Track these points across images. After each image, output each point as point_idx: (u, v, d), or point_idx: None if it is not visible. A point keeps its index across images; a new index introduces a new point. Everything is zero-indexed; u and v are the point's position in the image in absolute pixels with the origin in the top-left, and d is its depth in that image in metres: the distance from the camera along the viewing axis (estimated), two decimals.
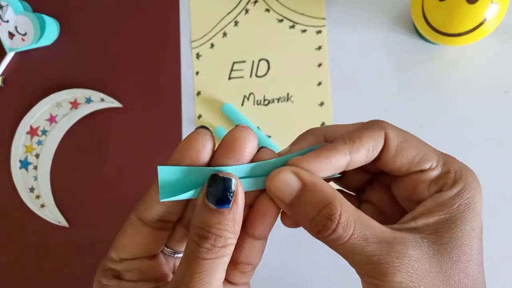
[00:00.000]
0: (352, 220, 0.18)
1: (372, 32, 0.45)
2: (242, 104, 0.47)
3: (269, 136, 0.46)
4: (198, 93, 0.47)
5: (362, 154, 0.19)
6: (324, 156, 0.19)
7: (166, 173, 0.19)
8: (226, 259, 0.19)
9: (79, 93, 0.48)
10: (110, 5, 0.50)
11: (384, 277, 0.17)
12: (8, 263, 0.49)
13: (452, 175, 0.20)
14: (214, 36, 0.48)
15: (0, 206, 0.50)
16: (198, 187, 0.19)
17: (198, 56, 0.48)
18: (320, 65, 0.46)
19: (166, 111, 0.48)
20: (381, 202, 0.22)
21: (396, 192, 0.21)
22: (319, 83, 0.46)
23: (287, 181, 0.19)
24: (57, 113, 0.49)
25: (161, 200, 0.19)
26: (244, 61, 0.47)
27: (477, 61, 0.44)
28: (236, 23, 0.47)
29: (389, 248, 0.17)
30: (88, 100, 0.48)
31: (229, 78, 0.47)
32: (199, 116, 0.47)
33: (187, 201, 0.21)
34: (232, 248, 0.19)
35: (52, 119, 0.49)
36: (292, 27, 0.47)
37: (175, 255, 0.23)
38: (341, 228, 0.18)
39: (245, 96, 0.47)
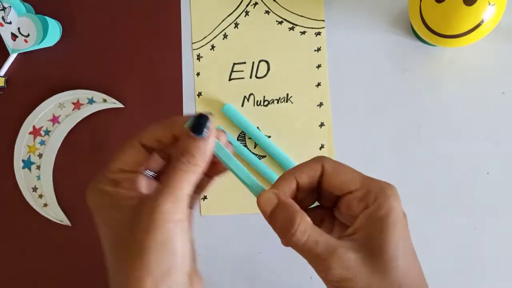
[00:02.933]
0: (307, 229, 0.25)
1: (371, 34, 0.46)
2: (242, 105, 0.47)
3: (269, 136, 0.47)
4: (199, 94, 0.48)
5: (305, 178, 0.27)
6: (279, 182, 0.28)
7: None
8: (194, 177, 0.26)
9: (82, 94, 0.49)
10: (112, 7, 0.50)
11: (328, 270, 0.24)
12: (11, 262, 0.50)
13: (373, 194, 0.26)
14: (214, 37, 0.48)
15: (4, 206, 0.50)
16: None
17: (199, 57, 0.48)
18: (319, 66, 0.46)
19: (168, 112, 0.48)
20: (343, 219, 0.29)
21: (340, 212, 0.28)
22: (318, 84, 0.46)
23: (268, 197, 0.27)
24: (60, 114, 0.49)
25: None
26: (244, 62, 0.47)
27: (475, 62, 0.44)
28: (236, 25, 0.48)
29: (333, 250, 0.24)
30: (91, 101, 0.49)
31: (230, 79, 0.48)
32: None
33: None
34: (199, 171, 0.26)
35: (55, 120, 0.49)
36: (292, 29, 0.47)
37: (151, 175, 0.29)
38: (299, 233, 0.25)
39: (245, 96, 0.47)
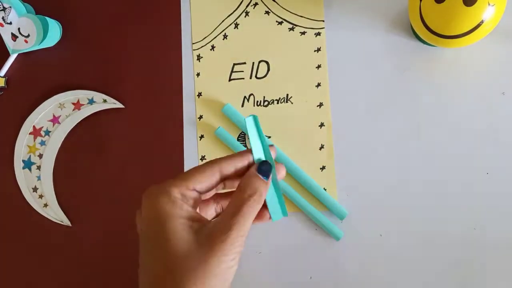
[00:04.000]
0: None
1: (371, 34, 0.46)
2: (242, 105, 0.47)
3: (269, 137, 0.47)
4: (199, 94, 0.48)
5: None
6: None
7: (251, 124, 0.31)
8: (255, 214, 0.28)
9: (82, 94, 0.49)
10: (112, 7, 0.50)
11: None
12: (11, 262, 0.50)
13: None
14: (214, 38, 0.48)
15: (4, 206, 0.50)
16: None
17: (199, 57, 0.48)
18: (319, 66, 0.46)
19: (168, 112, 0.48)
20: None
21: None
22: (318, 85, 0.46)
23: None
24: (60, 114, 0.49)
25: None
26: (244, 63, 0.48)
27: (475, 63, 0.44)
28: (236, 25, 0.48)
29: None
30: (91, 101, 0.49)
31: (230, 80, 0.48)
32: (200, 117, 0.48)
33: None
34: (259, 209, 0.29)
35: (55, 120, 0.50)
36: (292, 29, 0.47)
37: None
38: None
39: (245, 97, 0.47)
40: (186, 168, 0.48)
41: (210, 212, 0.33)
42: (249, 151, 0.30)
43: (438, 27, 0.39)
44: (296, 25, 0.47)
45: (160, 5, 0.49)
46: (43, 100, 0.49)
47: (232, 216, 0.27)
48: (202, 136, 0.48)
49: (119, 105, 0.49)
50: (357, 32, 0.46)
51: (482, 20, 0.37)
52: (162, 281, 0.26)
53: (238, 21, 0.48)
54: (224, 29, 0.48)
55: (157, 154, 0.48)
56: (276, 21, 0.47)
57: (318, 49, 0.46)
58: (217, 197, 0.33)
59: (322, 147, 0.46)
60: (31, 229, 0.49)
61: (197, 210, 0.31)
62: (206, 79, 0.48)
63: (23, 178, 0.50)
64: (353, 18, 0.46)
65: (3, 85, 0.51)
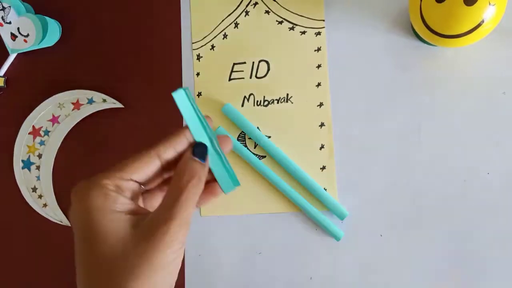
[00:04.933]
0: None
1: (371, 34, 0.46)
2: (242, 105, 0.47)
3: (269, 137, 0.46)
4: (199, 94, 0.48)
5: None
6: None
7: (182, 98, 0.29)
8: (197, 199, 0.27)
9: (81, 94, 0.49)
10: (112, 7, 0.50)
11: None
12: (10, 262, 0.50)
13: None
14: (214, 37, 0.48)
15: (3, 206, 0.50)
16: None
17: (198, 57, 0.48)
18: (319, 66, 0.46)
19: (167, 112, 0.48)
20: None
21: None
22: (318, 84, 0.46)
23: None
24: (60, 114, 0.49)
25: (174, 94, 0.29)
26: (244, 63, 0.47)
27: (475, 62, 0.44)
28: (236, 25, 0.48)
29: None
30: (90, 101, 0.49)
31: (230, 79, 0.48)
32: None
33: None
34: (200, 193, 0.27)
35: (54, 120, 0.49)
36: (292, 28, 0.47)
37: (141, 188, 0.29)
38: None
39: (245, 97, 0.47)
40: None
41: (156, 203, 0.30)
42: (186, 128, 0.29)
43: (438, 27, 0.39)
44: (296, 25, 0.47)
45: (160, 5, 0.49)
46: (42, 100, 0.49)
47: (171, 205, 0.25)
48: None
49: (118, 105, 0.48)
50: (357, 31, 0.46)
51: (483, 20, 0.37)
52: (101, 285, 0.24)
53: (238, 20, 0.48)
54: (224, 29, 0.48)
55: None
56: (276, 21, 0.47)
57: (318, 49, 0.46)
58: (164, 185, 0.31)
59: (322, 147, 0.46)
60: (30, 229, 0.49)
61: (140, 201, 0.29)
62: (206, 78, 0.48)
63: (23, 178, 0.49)
64: (353, 17, 0.46)
65: (2, 85, 0.51)
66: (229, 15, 0.48)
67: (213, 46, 0.48)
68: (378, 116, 0.45)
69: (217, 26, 0.48)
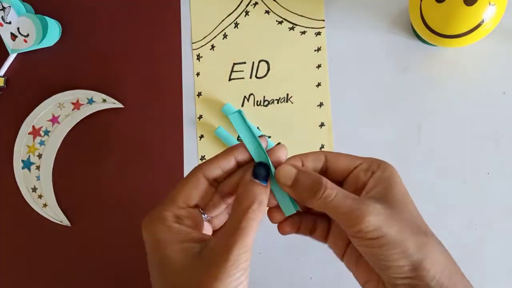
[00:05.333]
0: (334, 187, 0.27)
1: (371, 34, 0.46)
2: (242, 105, 0.47)
3: (269, 137, 0.46)
4: (199, 94, 0.48)
5: (310, 162, 0.29)
6: (290, 159, 0.29)
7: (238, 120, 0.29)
8: (258, 223, 0.26)
9: (81, 94, 0.49)
10: (112, 6, 0.50)
11: (361, 219, 0.25)
12: (11, 262, 0.50)
13: (376, 163, 0.29)
14: (214, 37, 0.48)
15: (3, 206, 0.50)
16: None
17: (198, 57, 0.48)
18: (319, 66, 0.46)
19: (167, 112, 0.48)
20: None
21: (349, 189, 0.30)
22: (318, 84, 0.46)
23: (287, 170, 0.28)
24: (60, 114, 0.49)
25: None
26: (244, 62, 0.47)
27: (475, 62, 0.44)
28: (236, 25, 0.48)
29: (361, 202, 0.26)
30: (90, 101, 0.49)
31: (230, 79, 0.48)
32: (200, 117, 0.48)
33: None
34: (262, 216, 0.27)
35: (54, 120, 0.49)
36: (292, 28, 0.47)
37: (204, 217, 0.30)
38: (329, 190, 0.26)
39: (245, 96, 0.47)
40: (185, 168, 0.47)
41: (224, 219, 0.31)
42: (235, 148, 0.28)
43: (438, 27, 0.39)
44: (296, 25, 0.47)
45: (160, 5, 0.49)
46: (42, 100, 0.49)
47: (232, 232, 0.25)
48: (202, 136, 0.48)
49: (118, 104, 0.48)
50: (358, 31, 0.46)
51: (483, 20, 0.37)
52: None
53: (238, 20, 0.48)
54: (224, 29, 0.48)
55: (157, 154, 0.48)
56: (276, 21, 0.47)
57: (318, 49, 0.46)
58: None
59: (322, 147, 0.46)
60: (30, 229, 0.49)
61: (207, 228, 0.29)
62: (206, 78, 0.48)
63: (23, 178, 0.49)
64: (353, 17, 0.46)
65: (3, 85, 0.50)
66: (229, 15, 0.48)
67: (213, 46, 0.48)
68: (378, 116, 0.45)
69: (217, 26, 0.48)
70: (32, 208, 0.49)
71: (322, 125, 0.46)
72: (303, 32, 0.47)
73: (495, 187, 0.43)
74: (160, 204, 0.27)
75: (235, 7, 0.48)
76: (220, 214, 0.31)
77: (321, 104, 0.46)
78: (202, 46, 0.48)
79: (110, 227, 0.48)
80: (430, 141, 0.44)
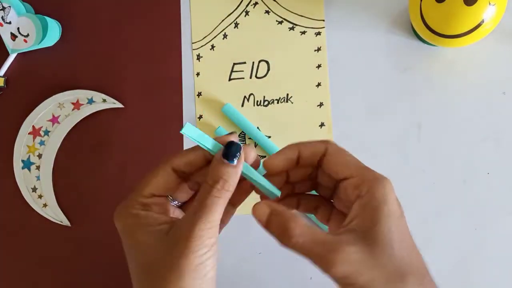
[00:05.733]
0: (304, 232, 0.25)
1: (371, 34, 0.46)
2: (242, 105, 0.47)
3: (269, 137, 0.46)
4: (199, 94, 0.48)
5: (307, 151, 0.29)
6: (282, 150, 0.29)
7: (190, 130, 0.27)
8: (225, 201, 0.27)
9: (81, 94, 0.49)
10: (112, 6, 0.50)
11: (331, 267, 0.24)
12: (10, 262, 0.50)
13: (366, 183, 0.26)
14: (214, 37, 0.48)
15: (3, 206, 0.50)
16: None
17: (198, 57, 0.48)
18: (319, 66, 0.46)
19: (167, 112, 0.48)
20: (341, 208, 0.30)
21: (339, 199, 0.30)
22: (318, 84, 0.46)
23: (262, 209, 0.27)
24: (60, 114, 0.49)
25: (184, 132, 0.27)
26: (244, 63, 0.47)
27: (475, 62, 0.44)
28: (236, 25, 0.48)
29: (329, 247, 0.24)
30: (90, 101, 0.49)
31: (230, 79, 0.48)
32: (200, 117, 0.48)
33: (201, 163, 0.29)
34: (229, 196, 0.27)
35: (54, 120, 0.49)
36: (292, 28, 0.47)
37: (174, 203, 0.31)
38: (295, 238, 0.25)
39: (245, 96, 0.47)
40: None
41: None
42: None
43: (438, 27, 0.39)
44: (296, 25, 0.47)
45: (160, 5, 0.49)
46: (42, 100, 0.49)
47: (196, 210, 0.26)
48: None
49: (118, 105, 0.48)
50: (358, 31, 0.46)
51: (483, 20, 0.37)
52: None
53: (238, 20, 0.48)
54: (224, 29, 0.48)
55: (157, 154, 0.48)
56: (276, 21, 0.47)
57: (318, 49, 0.46)
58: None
59: None
60: (30, 229, 0.49)
61: (172, 211, 0.30)
62: (206, 78, 0.48)
63: (23, 178, 0.49)
64: (353, 17, 0.46)
65: (3, 85, 0.51)
66: (229, 15, 0.48)
67: (213, 46, 0.48)
68: (378, 116, 0.45)
69: (217, 26, 0.48)
70: (32, 208, 0.49)
71: (322, 125, 0.46)
72: (303, 32, 0.47)
73: (495, 187, 0.43)
74: (129, 196, 0.29)
75: (235, 7, 0.48)
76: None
77: (321, 104, 0.46)
78: (202, 46, 0.48)
79: (110, 227, 0.48)
80: (430, 141, 0.44)
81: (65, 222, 0.49)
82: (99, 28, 0.50)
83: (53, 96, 0.49)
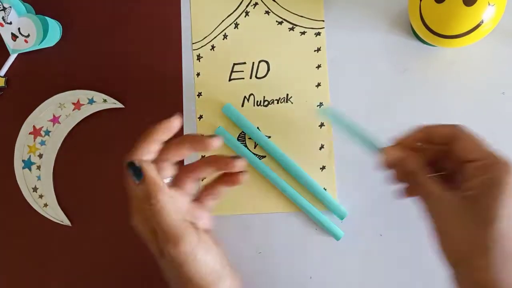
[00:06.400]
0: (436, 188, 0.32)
1: (371, 34, 0.46)
2: (242, 105, 0.47)
3: (269, 137, 0.47)
4: (199, 94, 0.48)
5: (437, 133, 0.33)
6: (413, 132, 0.35)
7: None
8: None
9: (82, 94, 0.49)
10: (112, 7, 0.50)
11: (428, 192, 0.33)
12: (11, 262, 0.50)
13: (493, 166, 0.30)
14: (214, 38, 0.48)
15: (4, 206, 0.50)
16: None
17: (199, 57, 0.48)
18: (319, 66, 0.46)
19: (168, 112, 0.48)
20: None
21: (461, 174, 0.32)
22: (318, 84, 0.46)
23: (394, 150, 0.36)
24: (60, 114, 0.49)
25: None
26: (244, 63, 0.48)
27: (475, 63, 0.44)
28: (236, 25, 0.48)
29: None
30: (91, 101, 0.49)
31: (230, 80, 0.48)
32: (200, 117, 0.48)
33: None
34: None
35: (55, 120, 0.50)
36: (292, 29, 0.47)
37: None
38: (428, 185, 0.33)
39: (245, 97, 0.47)
40: None
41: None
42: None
43: (438, 27, 0.39)
44: (296, 25, 0.47)
45: (160, 5, 0.49)
46: (43, 100, 0.49)
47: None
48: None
49: (119, 105, 0.49)
50: (357, 31, 0.46)
51: (482, 20, 0.37)
52: None
53: (238, 21, 0.48)
54: (224, 29, 0.48)
55: None
56: (276, 21, 0.47)
57: (318, 49, 0.46)
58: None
59: (322, 147, 0.46)
60: (31, 229, 0.49)
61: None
62: (206, 79, 0.48)
63: (23, 178, 0.50)
64: (353, 17, 0.46)
65: (3, 85, 0.51)
66: (229, 15, 0.48)
67: (213, 47, 0.48)
68: (378, 116, 0.45)
69: (217, 27, 0.48)
70: (33, 208, 0.49)
71: (322, 125, 0.46)
72: (303, 33, 0.47)
73: None
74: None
75: (235, 8, 0.48)
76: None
77: (320, 104, 0.46)
78: (202, 46, 0.48)
79: (111, 226, 0.48)
80: None
81: (66, 222, 0.49)
82: (100, 28, 0.50)
83: (54, 96, 0.49)
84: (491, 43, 0.43)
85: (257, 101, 0.47)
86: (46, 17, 0.48)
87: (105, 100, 0.49)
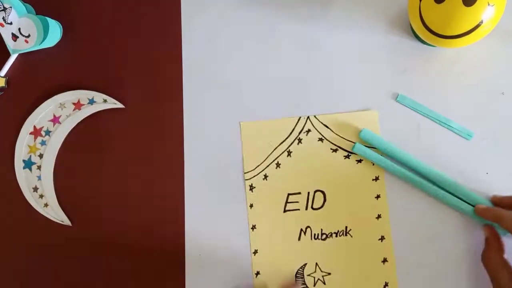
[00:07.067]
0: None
1: (371, 35, 0.46)
2: (299, 239, 0.45)
3: (329, 273, 0.44)
4: (253, 227, 0.45)
5: None
6: None
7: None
8: None
9: (82, 94, 0.49)
10: (112, 7, 0.50)
11: None
12: (11, 262, 0.50)
13: None
14: (267, 167, 0.46)
15: (4, 205, 0.50)
16: None
17: (251, 188, 0.46)
18: (378, 196, 0.44)
19: (168, 112, 0.48)
20: None
21: None
22: (378, 216, 0.44)
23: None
24: (61, 114, 0.50)
25: None
26: (299, 193, 0.45)
27: (474, 63, 0.44)
28: (289, 153, 0.45)
29: None
30: (91, 101, 0.49)
31: (284, 211, 0.45)
32: (257, 273, 0.45)
33: None
34: None
35: (55, 120, 0.50)
36: (347, 157, 0.45)
37: None
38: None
39: (301, 229, 0.45)
40: (186, 169, 0.47)
41: None
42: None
43: (437, 27, 0.39)
44: (352, 153, 0.45)
45: (160, 5, 0.49)
46: (43, 100, 0.49)
47: None
48: None
49: (119, 105, 0.49)
50: (357, 32, 0.46)
51: (482, 20, 0.37)
52: None
53: (291, 148, 0.45)
54: (277, 157, 0.46)
55: (157, 154, 0.48)
56: (331, 149, 0.45)
57: (376, 178, 0.44)
58: None
59: (386, 285, 0.43)
60: (31, 229, 0.49)
61: None
62: (260, 210, 0.45)
63: (24, 178, 0.50)
64: (353, 18, 0.46)
65: (4, 85, 0.51)
66: (281, 143, 0.46)
67: (266, 176, 0.46)
68: (377, 115, 0.45)
69: (269, 155, 0.46)
70: (33, 208, 0.49)
71: (384, 260, 0.43)
72: (359, 161, 0.45)
73: (494, 187, 0.43)
74: None
75: (287, 135, 0.46)
76: None
77: (382, 238, 0.44)
78: (254, 176, 0.46)
79: (111, 226, 0.48)
80: (429, 141, 0.44)
81: (66, 221, 0.49)
82: (100, 28, 0.50)
83: (54, 97, 0.49)
84: (491, 43, 0.43)
85: (315, 234, 0.44)
86: (47, 18, 0.48)
87: (105, 100, 0.49)
